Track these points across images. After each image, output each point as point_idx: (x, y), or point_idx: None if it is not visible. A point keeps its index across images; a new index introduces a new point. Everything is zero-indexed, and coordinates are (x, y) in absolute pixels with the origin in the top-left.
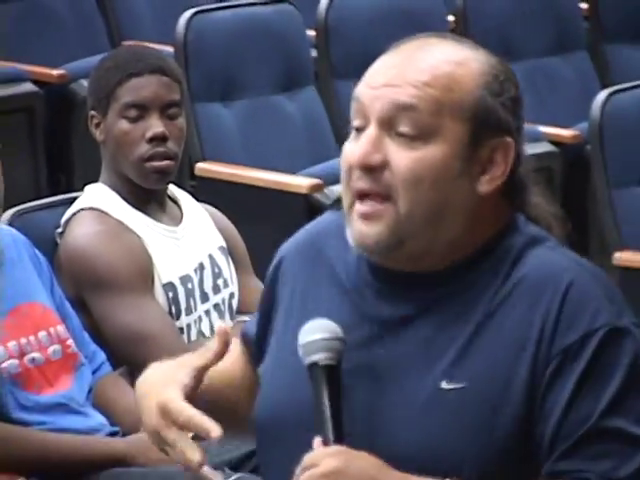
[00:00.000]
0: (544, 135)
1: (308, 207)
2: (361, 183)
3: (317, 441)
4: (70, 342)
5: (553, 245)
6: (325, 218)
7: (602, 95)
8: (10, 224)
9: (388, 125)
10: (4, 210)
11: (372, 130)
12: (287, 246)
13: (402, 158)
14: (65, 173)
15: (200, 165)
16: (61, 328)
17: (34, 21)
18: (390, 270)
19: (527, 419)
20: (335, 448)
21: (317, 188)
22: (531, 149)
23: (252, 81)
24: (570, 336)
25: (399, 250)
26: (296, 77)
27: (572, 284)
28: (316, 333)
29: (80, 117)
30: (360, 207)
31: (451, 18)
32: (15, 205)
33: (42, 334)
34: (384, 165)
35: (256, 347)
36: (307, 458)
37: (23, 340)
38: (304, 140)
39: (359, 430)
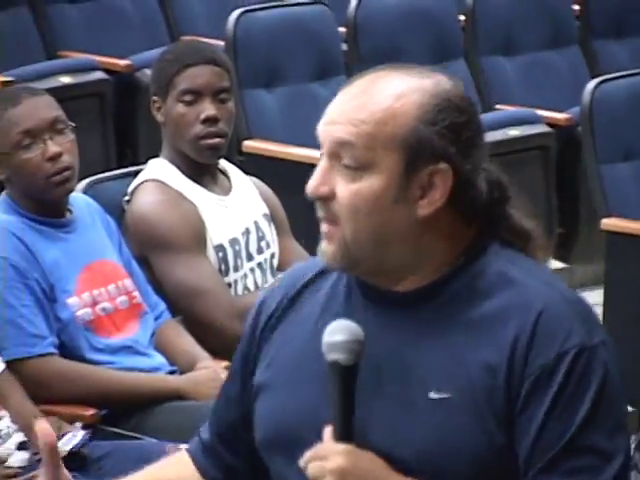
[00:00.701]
0: (541, 118)
1: None
2: (318, 209)
3: (328, 431)
4: (136, 294)
5: (527, 266)
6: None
7: (592, 84)
8: (84, 192)
9: (336, 158)
10: (79, 181)
11: (323, 163)
12: (265, 293)
13: (344, 190)
14: (131, 149)
15: (247, 143)
16: (128, 282)
17: (104, 18)
18: (376, 288)
19: (506, 436)
20: (344, 447)
21: None
22: (530, 130)
23: (291, 70)
24: (543, 357)
25: (356, 269)
26: (328, 67)
27: (544, 310)
28: (339, 334)
29: (144, 101)
30: (322, 227)
31: (462, 17)
32: (88, 176)
33: (112, 287)
34: (332, 196)
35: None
36: (318, 448)
37: (95, 292)
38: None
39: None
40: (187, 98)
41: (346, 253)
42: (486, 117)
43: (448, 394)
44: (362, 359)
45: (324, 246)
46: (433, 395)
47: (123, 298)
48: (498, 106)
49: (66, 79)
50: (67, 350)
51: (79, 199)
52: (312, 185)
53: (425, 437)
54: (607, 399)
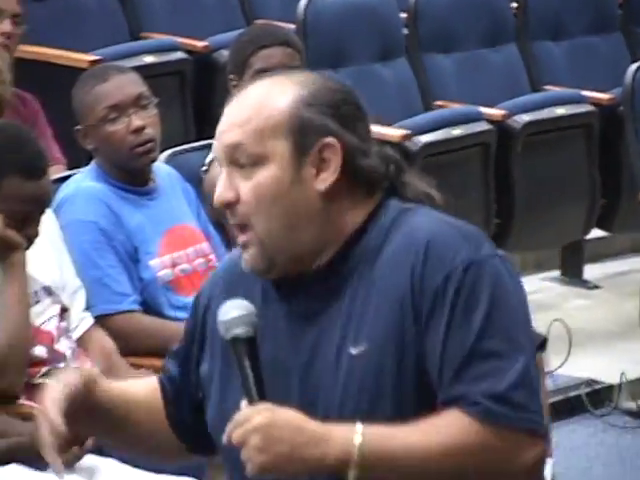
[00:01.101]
0: (586, 98)
1: (400, 152)
2: (229, 219)
3: (244, 402)
4: (212, 256)
5: (422, 211)
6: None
7: (633, 67)
8: (166, 163)
9: (233, 163)
10: (161, 152)
11: (224, 172)
12: (204, 286)
13: (245, 188)
14: (209, 123)
15: None
16: (205, 245)
17: (184, 2)
18: (288, 276)
19: (421, 360)
20: (262, 406)
21: (407, 137)
22: (575, 109)
23: (356, 52)
24: (435, 280)
25: (275, 269)
26: (390, 50)
27: (432, 238)
28: (234, 311)
29: (220, 79)
30: (238, 239)
31: (514, 4)
32: (169, 148)
33: (190, 250)
34: (237, 199)
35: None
36: (238, 416)
37: (175, 254)
38: (396, 99)
39: (296, 398)
40: (262, 77)
41: (264, 252)
42: (535, 97)
43: (365, 346)
44: (280, 346)
45: (244, 255)
46: (352, 351)
47: (201, 260)
48: (546, 87)
49: (149, 58)
50: (149, 307)
51: (161, 169)
52: (218, 195)
53: (346, 388)
54: (500, 306)
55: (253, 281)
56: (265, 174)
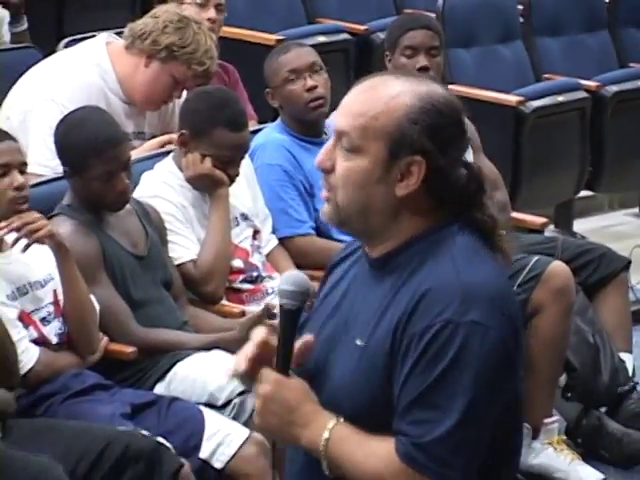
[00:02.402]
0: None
1: (515, 115)
2: (323, 178)
3: (273, 359)
4: None
5: (460, 249)
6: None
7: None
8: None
9: (338, 140)
10: (330, 111)
11: (330, 143)
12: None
13: (340, 166)
14: None
15: (450, 87)
16: None
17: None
18: (368, 256)
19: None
20: (274, 376)
21: (521, 102)
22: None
23: (482, 35)
24: (417, 326)
25: (344, 228)
26: (509, 34)
27: (433, 287)
28: (289, 284)
29: (377, 55)
30: (322, 192)
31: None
32: (337, 108)
33: None
34: (332, 169)
35: None
36: (262, 372)
37: None
38: (513, 72)
39: (319, 366)
40: (407, 52)
41: (337, 215)
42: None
43: (365, 343)
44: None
45: (324, 207)
46: (358, 342)
47: None
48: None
49: (321, 38)
50: (321, 232)
51: (332, 124)
52: (318, 159)
53: (342, 376)
54: (460, 367)
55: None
56: (359, 163)
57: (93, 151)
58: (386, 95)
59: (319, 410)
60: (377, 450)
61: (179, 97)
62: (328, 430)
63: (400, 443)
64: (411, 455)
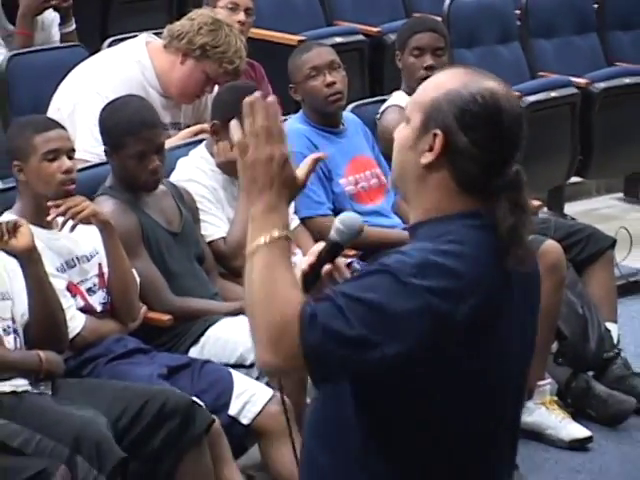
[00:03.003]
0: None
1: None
2: None
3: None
4: (383, 178)
5: (446, 233)
6: None
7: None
8: (351, 112)
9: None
10: (347, 104)
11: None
12: None
13: (399, 130)
14: (379, 86)
15: None
16: (378, 170)
17: (365, 1)
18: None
19: None
20: (281, 150)
21: (518, 97)
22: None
23: (484, 37)
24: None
25: (398, 192)
26: (507, 35)
27: (405, 251)
28: (341, 223)
29: (388, 55)
30: None
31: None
32: (353, 102)
33: (368, 172)
34: None
35: None
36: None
37: (357, 175)
38: (510, 70)
39: None
40: (415, 53)
41: (392, 177)
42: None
43: None
44: None
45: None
46: None
47: (375, 181)
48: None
49: (338, 39)
50: (338, 213)
51: (348, 116)
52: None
53: None
54: (365, 287)
55: None
56: (404, 131)
57: (129, 131)
58: (440, 80)
59: (284, 216)
60: (292, 295)
61: (211, 92)
62: (268, 236)
63: (308, 305)
64: (303, 314)
